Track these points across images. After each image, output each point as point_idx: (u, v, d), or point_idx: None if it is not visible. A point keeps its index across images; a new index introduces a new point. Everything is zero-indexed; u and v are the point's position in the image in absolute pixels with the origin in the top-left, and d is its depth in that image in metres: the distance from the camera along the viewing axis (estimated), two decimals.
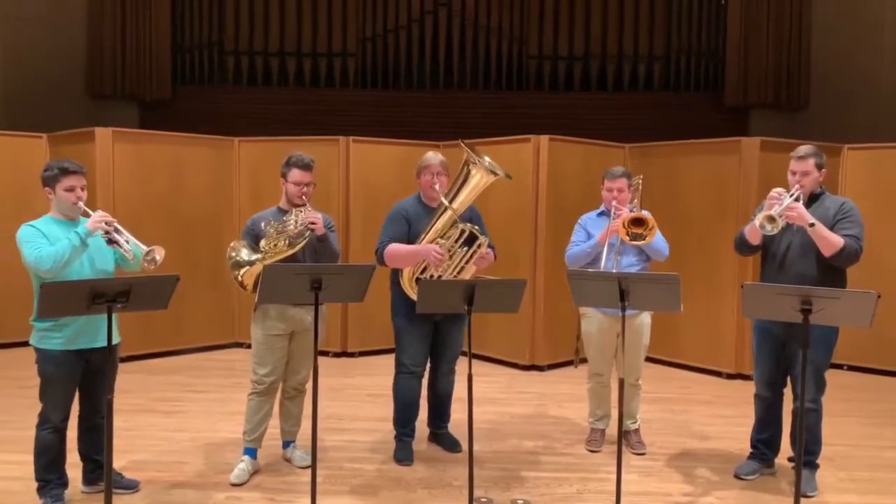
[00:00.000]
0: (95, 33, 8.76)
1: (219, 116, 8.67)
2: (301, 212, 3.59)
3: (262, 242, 3.56)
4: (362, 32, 9.11)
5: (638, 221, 3.77)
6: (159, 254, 3.11)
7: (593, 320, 4.07)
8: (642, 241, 3.77)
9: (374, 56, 9.12)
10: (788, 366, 3.62)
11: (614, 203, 3.94)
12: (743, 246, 3.67)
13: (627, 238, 3.75)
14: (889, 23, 8.09)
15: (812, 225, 3.32)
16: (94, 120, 7.44)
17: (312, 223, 3.53)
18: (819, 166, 3.50)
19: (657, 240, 3.89)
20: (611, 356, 4.12)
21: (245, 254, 3.57)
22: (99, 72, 8.77)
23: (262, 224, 3.61)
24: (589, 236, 4.06)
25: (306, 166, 3.64)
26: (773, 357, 3.65)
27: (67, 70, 8.68)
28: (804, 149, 3.54)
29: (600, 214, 4.12)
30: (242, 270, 3.54)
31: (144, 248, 3.11)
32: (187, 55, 9.10)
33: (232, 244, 3.63)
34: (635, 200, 4.03)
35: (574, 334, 4.32)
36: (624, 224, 3.75)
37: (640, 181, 4.14)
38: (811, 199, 3.52)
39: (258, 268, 3.49)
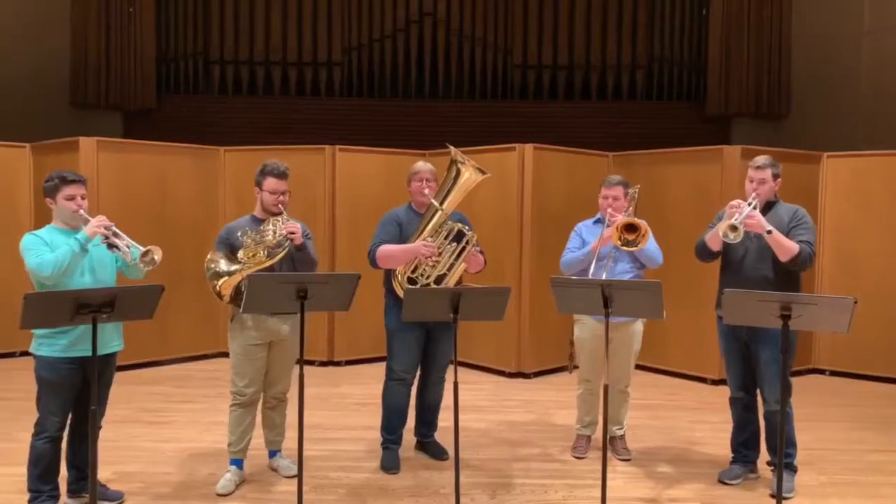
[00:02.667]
0: (80, 42, 8.72)
1: (204, 126, 8.65)
2: (279, 221, 3.57)
3: (241, 253, 3.54)
4: (348, 42, 9.13)
5: (631, 227, 3.81)
6: (157, 254, 3.13)
7: (586, 326, 4.10)
8: (634, 248, 3.81)
9: (359, 65, 9.14)
10: (753, 367, 3.72)
11: (609, 210, 3.99)
12: (704, 253, 3.80)
13: (620, 243, 3.79)
14: (867, 33, 8.22)
15: (769, 232, 3.49)
16: (78, 129, 7.38)
17: (291, 233, 3.52)
18: (775, 176, 3.70)
19: (650, 247, 3.94)
20: (602, 363, 4.15)
21: (224, 264, 3.54)
22: (83, 81, 8.73)
23: (238, 234, 3.58)
24: (584, 243, 4.10)
25: (282, 174, 3.63)
26: (741, 359, 3.77)
27: (51, 79, 8.64)
28: (761, 159, 3.72)
29: (596, 222, 4.17)
30: (221, 281, 3.52)
31: (141, 248, 3.12)
32: (172, 64, 9.08)
33: (210, 255, 3.60)
34: (630, 209, 4.07)
35: (567, 340, 4.34)
36: (617, 229, 3.80)
37: (638, 190, 4.18)
38: (766, 207, 3.70)
39: (237, 278, 3.49)
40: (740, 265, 3.68)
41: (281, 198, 3.63)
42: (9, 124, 7.55)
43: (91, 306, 2.73)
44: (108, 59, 8.73)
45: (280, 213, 3.61)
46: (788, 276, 3.61)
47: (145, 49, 8.83)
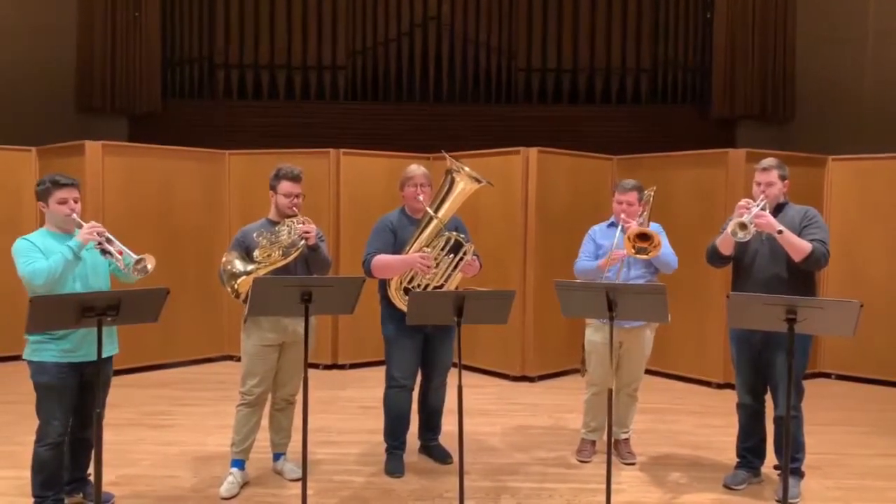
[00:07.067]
0: (85, 47, 8.75)
1: (209, 130, 8.68)
2: (294, 222, 3.63)
3: (256, 252, 3.59)
4: (352, 45, 9.15)
5: (643, 236, 3.79)
6: (150, 262, 3.14)
7: (598, 331, 4.09)
8: (645, 256, 3.79)
9: (363, 69, 9.16)
10: (766, 374, 3.68)
11: (623, 215, 3.98)
12: (714, 257, 3.76)
13: (633, 251, 3.78)
14: (871, 35, 8.20)
15: (780, 232, 3.45)
16: (83, 133, 7.42)
17: (306, 233, 3.57)
18: (782, 177, 3.64)
19: (665, 253, 3.92)
20: (612, 367, 4.13)
21: (239, 265, 3.58)
22: (89, 85, 8.76)
23: (255, 235, 3.64)
24: (598, 247, 4.10)
25: (296, 178, 3.69)
26: (753, 365, 3.72)
27: (57, 84, 8.66)
28: (767, 161, 3.67)
29: (610, 225, 4.16)
30: (239, 280, 3.55)
31: (135, 256, 3.14)
32: (177, 69, 9.11)
33: (224, 258, 3.64)
34: (644, 213, 4.05)
35: (579, 344, 4.33)
36: (630, 238, 3.78)
37: (652, 194, 4.14)
38: (776, 210, 3.65)
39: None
40: (751, 268, 3.63)
41: (295, 200, 3.69)
42: (15, 128, 7.57)
43: (96, 309, 2.74)
44: (113, 64, 8.75)
45: (295, 216, 3.66)
46: (803, 277, 3.57)
47: (151, 53, 8.85)
